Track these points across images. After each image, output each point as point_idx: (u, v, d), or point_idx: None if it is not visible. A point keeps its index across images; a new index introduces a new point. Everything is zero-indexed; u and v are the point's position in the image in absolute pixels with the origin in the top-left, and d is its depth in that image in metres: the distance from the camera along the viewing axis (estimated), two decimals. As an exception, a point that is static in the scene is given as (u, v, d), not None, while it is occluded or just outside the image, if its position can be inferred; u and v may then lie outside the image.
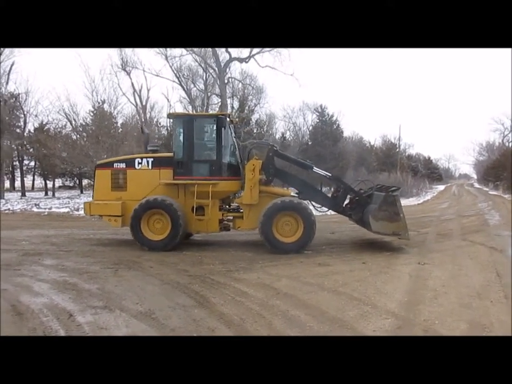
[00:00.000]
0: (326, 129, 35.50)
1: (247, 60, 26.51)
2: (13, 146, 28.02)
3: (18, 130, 30.40)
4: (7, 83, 25.44)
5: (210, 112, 30.67)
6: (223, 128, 8.89)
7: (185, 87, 36.27)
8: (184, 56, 30.00)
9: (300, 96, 74.34)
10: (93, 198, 9.75)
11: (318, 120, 36.90)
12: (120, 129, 28.12)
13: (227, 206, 9.81)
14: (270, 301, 5.29)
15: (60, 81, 48.73)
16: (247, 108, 31.84)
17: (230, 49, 26.21)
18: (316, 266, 7.34)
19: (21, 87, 27.10)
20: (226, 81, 28.35)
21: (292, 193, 9.52)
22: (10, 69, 25.31)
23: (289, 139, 43.85)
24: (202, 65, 29.85)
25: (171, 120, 10.20)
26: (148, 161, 9.29)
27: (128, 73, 31.93)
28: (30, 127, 32.38)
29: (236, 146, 9.75)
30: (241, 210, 9.34)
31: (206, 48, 28.05)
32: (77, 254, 8.40)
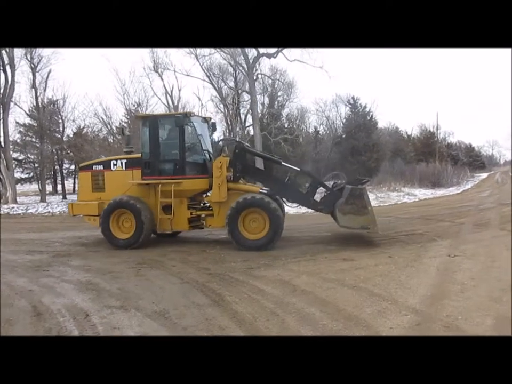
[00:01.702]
0: (359, 121, 34.72)
1: (275, 55, 26.20)
2: (53, 150, 28.97)
3: (57, 135, 31.45)
4: (45, 90, 26.37)
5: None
6: (185, 127, 8.95)
7: (216, 85, 36.52)
8: (213, 55, 30.23)
9: (332, 88, 73.26)
10: (77, 199, 10.24)
11: (350, 112, 36.15)
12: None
13: (202, 204, 9.70)
14: (286, 298, 5.16)
15: (92, 86, 50.01)
16: (276, 103, 31.58)
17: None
18: (340, 261, 7.13)
19: (58, 93, 27.81)
20: (255, 77, 28.17)
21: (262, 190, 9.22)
22: (48, 76, 26.23)
23: (323, 133, 43.37)
24: (232, 63, 29.81)
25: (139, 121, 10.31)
26: (122, 163, 9.61)
27: (160, 75, 32.52)
28: (69, 132, 33.62)
29: (205, 144, 9.61)
30: (212, 208, 9.29)
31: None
32: (104, 255, 8.57)
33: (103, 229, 9.19)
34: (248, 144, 10.09)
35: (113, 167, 9.64)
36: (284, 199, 9.27)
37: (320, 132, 43.15)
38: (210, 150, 9.74)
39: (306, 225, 11.96)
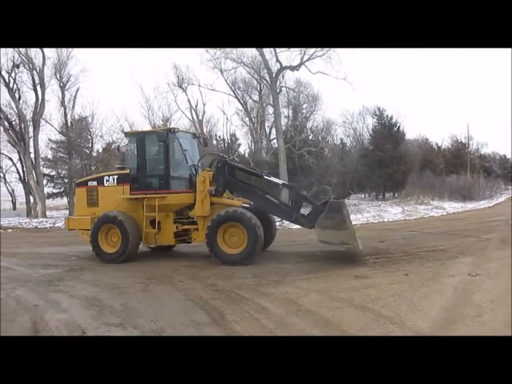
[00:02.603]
0: (386, 133, 34.02)
1: (298, 68, 26.14)
2: (82, 166, 29.65)
3: (87, 150, 32.23)
4: (73, 107, 27.18)
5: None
6: (169, 143, 9.05)
7: (240, 99, 36.82)
8: (238, 69, 30.48)
9: (358, 100, 72.02)
10: (73, 214, 10.55)
11: (376, 124, 35.52)
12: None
13: (189, 219, 9.55)
14: (288, 318, 4.93)
15: (119, 103, 51.53)
16: (300, 115, 31.42)
17: (280, 58, 26.07)
18: (352, 279, 6.83)
19: (87, 110, 28.56)
20: (278, 90, 28.14)
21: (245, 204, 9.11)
22: (76, 94, 27.06)
23: (349, 145, 42.81)
24: (256, 76, 29.98)
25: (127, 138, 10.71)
26: (113, 178, 9.85)
27: (184, 90, 33.03)
28: (98, 147, 34.41)
29: (192, 159, 9.68)
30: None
31: (258, 59, 28.24)
32: (115, 269, 8.57)
33: (92, 243, 9.36)
34: (233, 158, 10.11)
35: (106, 183, 9.91)
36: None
37: (347, 144, 42.65)
38: (197, 165, 9.83)
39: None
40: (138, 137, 9.58)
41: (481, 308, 5.02)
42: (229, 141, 35.96)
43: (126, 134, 10.97)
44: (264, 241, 9.62)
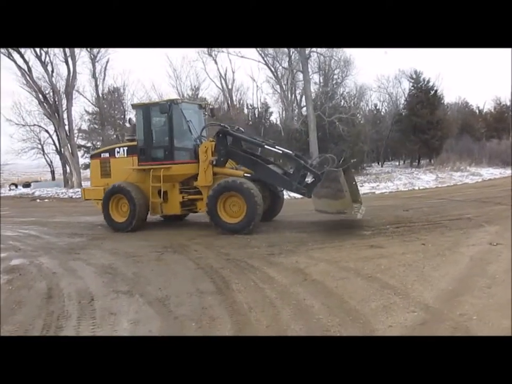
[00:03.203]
0: (422, 97, 32.54)
1: (328, 31, 25.17)
2: (115, 136, 30.21)
3: (120, 121, 32.76)
4: (103, 79, 27.50)
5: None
6: (173, 114, 9.10)
7: (271, 66, 36.10)
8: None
9: (394, 64, 68.65)
10: (90, 185, 11.11)
11: (412, 88, 33.98)
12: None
13: (195, 189, 9.53)
14: (292, 288, 4.91)
15: (147, 73, 51.59)
16: (330, 81, 30.48)
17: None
18: (367, 248, 6.69)
19: (118, 81, 28.90)
20: (308, 56, 27.30)
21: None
22: (106, 65, 27.33)
23: (384, 111, 41.44)
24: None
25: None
26: (124, 150, 10.03)
27: (214, 58, 32.71)
28: (132, 117, 34.80)
29: (195, 130, 9.60)
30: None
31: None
32: (136, 238, 8.79)
33: (104, 213, 9.78)
34: (236, 128, 9.89)
35: (117, 155, 10.14)
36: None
37: (381, 110, 41.31)
38: (204, 135, 9.81)
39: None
40: (144, 109, 9.66)
41: (494, 279, 4.79)
42: (260, 109, 35.63)
43: (133, 106, 11.06)
44: (270, 211, 9.79)
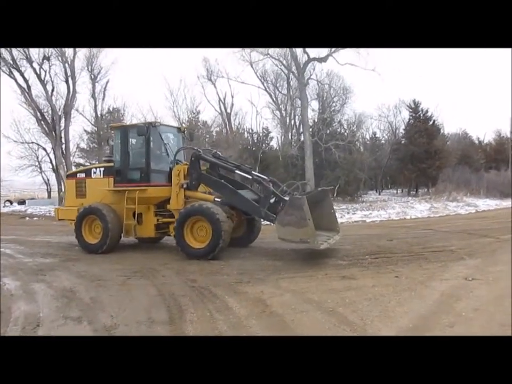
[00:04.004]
0: (420, 126, 32.68)
1: (325, 59, 25.46)
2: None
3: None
4: (103, 99, 27.75)
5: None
6: (150, 136, 9.12)
7: (270, 92, 36.47)
8: (268, 61, 30.11)
9: (395, 93, 69.13)
10: (64, 205, 11.04)
11: (411, 117, 34.17)
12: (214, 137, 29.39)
13: (170, 212, 9.37)
14: (247, 320, 4.67)
15: (145, 95, 52.65)
16: (328, 108, 30.67)
17: (308, 49, 25.49)
18: (339, 279, 6.46)
19: (117, 102, 29.15)
20: (306, 82, 27.58)
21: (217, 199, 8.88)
22: (106, 86, 27.62)
23: (383, 139, 41.56)
24: (282, 68, 29.60)
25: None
26: (100, 171, 9.98)
27: (214, 83, 33.08)
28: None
29: (172, 153, 9.57)
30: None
31: (285, 51, 27.78)
32: (110, 261, 8.57)
33: (76, 234, 9.64)
34: (214, 152, 9.87)
35: (93, 175, 10.06)
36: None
37: (381, 138, 41.43)
38: (181, 159, 9.82)
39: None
40: (121, 131, 9.65)
41: (460, 317, 4.56)
42: (261, 134, 35.80)
43: (111, 128, 11.04)
44: (246, 236, 9.70)
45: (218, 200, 8.76)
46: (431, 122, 33.73)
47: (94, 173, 10.06)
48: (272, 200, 8.25)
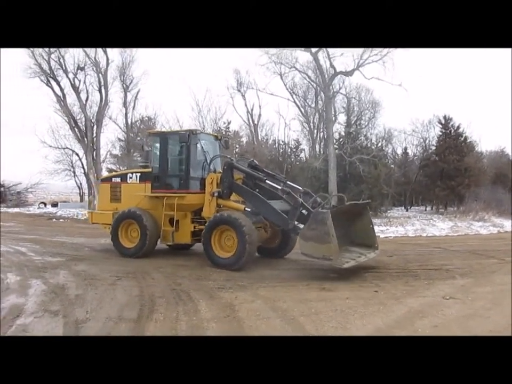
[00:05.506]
0: (450, 143, 31.94)
1: (351, 73, 25.48)
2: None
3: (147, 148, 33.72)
4: (133, 108, 28.84)
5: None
6: (191, 144, 9.22)
7: (300, 105, 36.70)
8: (297, 74, 30.44)
9: (430, 108, 67.34)
10: (97, 208, 10.99)
11: (441, 133, 33.45)
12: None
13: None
14: (208, 323, 4.88)
15: (171, 106, 54.26)
16: (354, 122, 30.55)
17: (335, 63, 25.60)
18: (317, 290, 6.56)
19: (148, 111, 30.24)
20: (331, 96, 27.64)
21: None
22: (137, 95, 28.69)
23: (413, 155, 40.81)
24: (309, 81, 29.86)
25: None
26: (136, 176, 10.05)
27: (243, 94, 33.66)
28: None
29: (209, 161, 9.64)
30: None
31: (311, 64, 28.01)
32: (111, 262, 8.98)
33: (112, 237, 9.75)
34: (250, 160, 9.89)
35: (129, 180, 10.18)
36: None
37: (412, 154, 40.68)
38: (218, 167, 9.83)
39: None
40: (161, 138, 9.84)
41: (414, 333, 4.55)
42: (291, 146, 36.03)
43: (150, 134, 11.32)
44: (280, 248, 9.70)
45: (249, 210, 8.79)
46: (462, 139, 32.84)
47: (130, 177, 10.17)
48: (305, 212, 8.04)
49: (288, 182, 9.19)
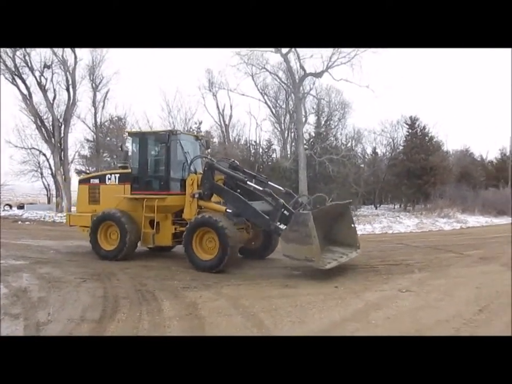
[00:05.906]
0: (417, 143, 32.88)
1: (321, 75, 25.90)
2: (113, 163, 30.65)
3: (120, 148, 33.27)
4: (103, 108, 28.40)
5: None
6: (170, 145, 9.07)
7: (271, 105, 36.96)
8: (268, 75, 30.65)
9: (399, 109, 68.50)
10: (76, 211, 10.78)
11: (407, 133, 34.39)
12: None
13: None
14: (170, 321, 5.01)
15: (141, 106, 53.85)
16: (324, 122, 31.06)
17: (304, 65, 25.97)
18: (280, 288, 6.77)
19: (118, 111, 29.81)
20: (301, 97, 28.01)
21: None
22: (106, 95, 28.28)
23: (382, 154, 41.74)
24: (278, 81, 30.20)
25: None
26: (115, 177, 9.86)
27: (214, 94, 33.64)
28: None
29: (189, 162, 9.44)
30: None
31: (282, 65, 28.30)
32: (77, 264, 8.90)
33: (91, 240, 9.52)
34: (231, 161, 9.87)
35: (108, 181, 9.99)
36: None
37: (381, 153, 41.61)
38: (199, 168, 9.73)
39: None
40: (140, 138, 9.68)
41: (367, 324, 4.84)
42: (263, 146, 36.23)
43: (129, 134, 11.12)
44: (263, 248, 9.70)
45: (230, 211, 8.65)
46: (427, 138, 33.84)
47: (109, 179, 9.98)
48: (287, 213, 7.97)
49: (269, 183, 9.24)
